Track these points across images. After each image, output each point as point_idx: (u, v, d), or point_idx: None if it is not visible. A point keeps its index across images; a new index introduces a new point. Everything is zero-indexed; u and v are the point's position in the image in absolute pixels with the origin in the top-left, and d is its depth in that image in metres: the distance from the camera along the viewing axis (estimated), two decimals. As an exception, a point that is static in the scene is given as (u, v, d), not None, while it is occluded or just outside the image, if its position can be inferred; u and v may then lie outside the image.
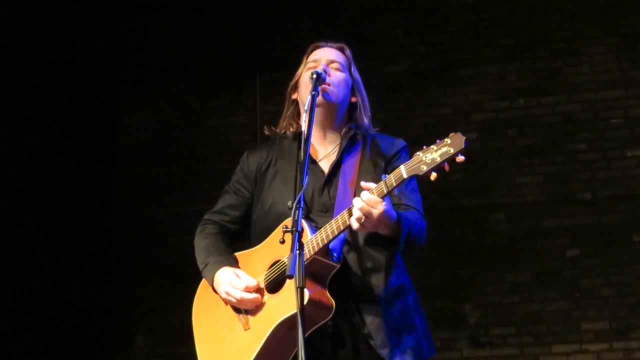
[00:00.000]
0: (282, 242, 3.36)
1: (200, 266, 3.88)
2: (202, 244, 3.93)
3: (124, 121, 8.55)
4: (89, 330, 7.75)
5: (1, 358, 6.77)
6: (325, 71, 3.81)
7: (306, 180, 3.37)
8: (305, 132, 3.50)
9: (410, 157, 3.42)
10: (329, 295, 3.52)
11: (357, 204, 3.39)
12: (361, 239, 3.66)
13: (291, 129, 3.93)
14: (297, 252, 3.19)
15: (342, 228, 3.47)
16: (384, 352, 3.59)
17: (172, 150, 8.36)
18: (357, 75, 3.97)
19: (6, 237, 6.95)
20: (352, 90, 3.93)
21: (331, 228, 3.48)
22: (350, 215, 3.42)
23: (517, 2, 8.19)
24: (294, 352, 3.50)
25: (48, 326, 7.28)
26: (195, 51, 8.50)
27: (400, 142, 3.88)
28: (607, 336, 7.43)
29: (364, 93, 3.97)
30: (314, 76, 3.68)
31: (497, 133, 7.96)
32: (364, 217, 3.38)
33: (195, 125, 8.41)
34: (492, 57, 8.11)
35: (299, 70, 3.98)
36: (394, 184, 3.39)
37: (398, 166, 3.42)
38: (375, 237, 3.59)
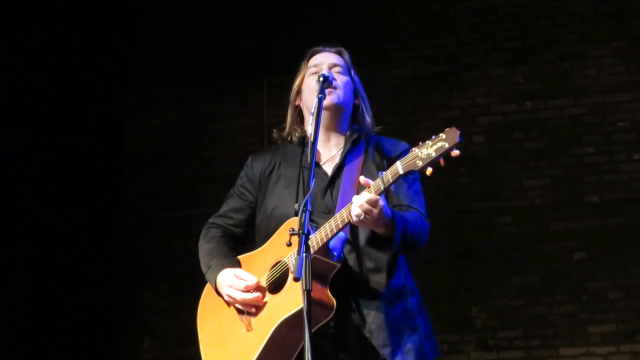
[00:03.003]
0: (289, 244, 3.37)
1: (204, 269, 3.91)
2: (205, 248, 3.96)
3: (130, 124, 8.56)
4: (95, 333, 7.75)
5: (8, 360, 6.80)
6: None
7: (313, 183, 3.39)
8: (312, 135, 3.52)
9: None
10: (330, 295, 3.52)
11: (357, 202, 3.40)
12: (362, 239, 3.67)
13: (296, 135, 3.95)
14: (304, 254, 3.20)
15: (340, 226, 3.49)
16: (385, 351, 3.60)
17: (178, 153, 8.37)
18: (356, 77, 4.00)
19: (12, 241, 6.97)
20: (354, 92, 3.95)
21: (330, 227, 3.50)
22: (349, 212, 3.44)
23: (524, 5, 8.19)
24: (297, 351, 3.52)
25: (54, 329, 7.29)
26: (202, 54, 8.51)
27: (403, 145, 3.89)
28: (614, 339, 7.42)
29: (365, 95, 4.00)
30: (321, 79, 3.69)
31: (504, 136, 7.95)
32: (363, 215, 3.39)
33: (202, 129, 8.42)
34: (499, 60, 8.11)
35: (300, 77, 4.00)
36: (391, 180, 3.41)
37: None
38: (373, 236, 3.60)
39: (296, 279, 3.18)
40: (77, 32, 7.83)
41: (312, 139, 3.51)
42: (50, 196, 7.41)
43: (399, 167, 3.39)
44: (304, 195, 3.45)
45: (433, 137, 3.37)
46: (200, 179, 8.26)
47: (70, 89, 7.75)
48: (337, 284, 3.56)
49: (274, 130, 4.06)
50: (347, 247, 3.66)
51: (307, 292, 3.17)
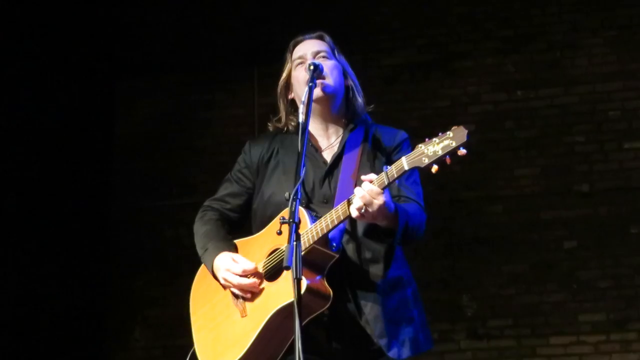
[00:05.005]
0: (279, 233, 3.37)
1: (200, 252, 3.88)
2: (201, 230, 3.93)
3: (121, 113, 8.54)
4: (85, 321, 7.75)
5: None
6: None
7: (303, 172, 3.40)
8: (303, 124, 3.52)
9: (412, 148, 3.43)
10: (327, 285, 3.53)
11: (359, 193, 3.40)
12: (360, 229, 3.66)
13: (292, 124, 3.93)
14: (294, 243, 3.21)
15: (342, 218, 3.49)
16: (382, 342, 3.60)
17: (169, 142, 8.36)
18: (342, 58, 3.97)
19: (2, 230, 6.95)
20: (344, 74, 3.93)
21: (331, 217, 3.50)
22: (351, 204, 3.44)
23: (514, -6, 8.20)
24: (290, 340, 3.51)
25: (45, 318, 7.29)
26: (193, 43, 8.49)
27: (402, 134, 3.88)
28: (605, 328, 7.44)
29: (354, 75, 3.97)
30: (312, 67, 3.68)
31: (495, 125, 7.96)
32: (364, 207, 3.39)
33: (193, 118, 8.40)
34: (490, 49, 8.11)
35: (287, 69, 3.98)
36: (395, 175, 3.41)
37: (399, 158, 3.44)
38: (373, 228, 3.60)
39: (286, 268, 3.19)
40: (68, 21, 7.80)
41: (302, 128, 3.50)
42: (41, 185, 7.39)
43: (404, 163, 3.39)
44: (301, 184, 3.47)
45: (440, 134, 3.36)
46: (191, 168, 8.25)
47: (61, 78, 7.73)
48: (334, 273, 3.56)
49: (269, 123, 4.04)
50: (346, 237, 3.66)
51: (297, 280, 3.17)
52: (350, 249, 3.66)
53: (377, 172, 3.48)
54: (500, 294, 7.65)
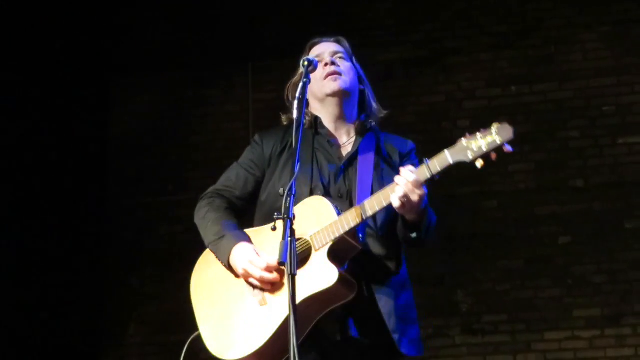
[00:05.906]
0: (274, 229, 3.34)
1: (213, 237, 3.79)
2: (213, 216, 3.85)
3: (116, 110, 8.53)
4: (81, 318, 7.74)
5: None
6: (333, 62, 3.87)
7: (297, 167, 3.37)
8: (297, 119, 3.50)
9: (419, 158, 3.51)
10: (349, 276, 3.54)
11: (401, 182, 3.42)
12: (379, 225, 3.69)
13: (307, 118, 3.92)
14: (289, 239, 3.19)
15: (384, 204, 3.48)
16: (395, 337, 3.63)
17: (164, 138, 8.35)
18: (357, 64, 4.01)
19: (-2, 226, 6.96)
20: (359, 78, 3.98)
21: (370, 204, 3.51)
22: (392, 193, 3.45)
23: (509, -10, 8.20)
24: (309, 329, 3.50)
25: (40, 315, 7.28)
26: (188, 39, 8.48)
27: (411, 143, 3.95)
28: (599, 323, 7.46)
29: (368, 83, 4.02)
30: (306, 63, 3.68)
31: (489, 121, 7.91)
32: (406, 197, 3.41)
33: (188, 114, 8.40)
34: (484, 44, 8.11)
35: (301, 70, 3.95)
36: (438, 169, 3.44)
37: (405, 165, 3.49)
38: (395, 223, 3.63)
39: (281, 264, 3.17)
40: (62, 18, 7.79)
41: (296, 124, 3.48)
42: (36, 182, 7.39)
43: (448, 156, 3.43)
44: (320, 176, 3.59)
45: (482, 130, 3.46)
46: (186, 165, 8.24)
47: (56, 75, 7.72)
48: (352, 266, 3.57)
49: (282, 115, 4.04)
50: (366, 231, 3.68)
51: (292, 276, 3.16)
52: (369, 243, 3.68)
53: (393, 174, 3.51)
54: (495, 289, 7.66)
